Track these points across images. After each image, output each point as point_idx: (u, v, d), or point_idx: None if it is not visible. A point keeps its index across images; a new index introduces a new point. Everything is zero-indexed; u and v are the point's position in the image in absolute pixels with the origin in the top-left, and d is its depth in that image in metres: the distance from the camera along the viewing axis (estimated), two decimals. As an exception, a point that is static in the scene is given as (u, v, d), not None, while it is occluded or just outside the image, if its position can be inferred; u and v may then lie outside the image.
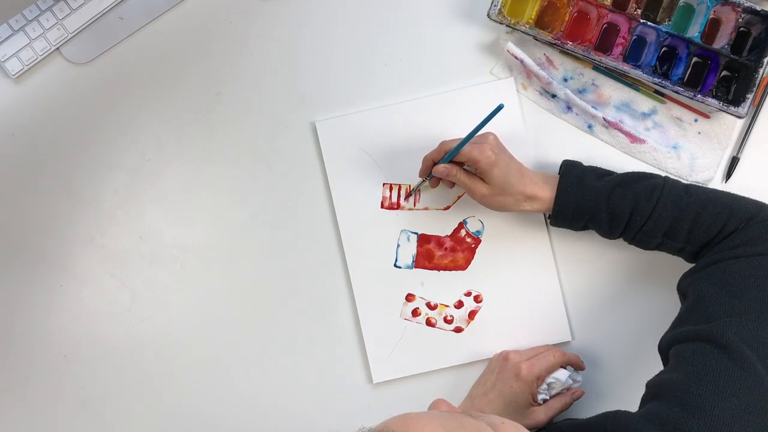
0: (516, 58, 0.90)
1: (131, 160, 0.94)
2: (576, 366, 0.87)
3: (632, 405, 0.72)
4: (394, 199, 0.92)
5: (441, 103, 0.92)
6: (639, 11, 0.89)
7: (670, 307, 0.80)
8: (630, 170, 0.84)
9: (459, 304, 0.91)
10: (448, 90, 0.92)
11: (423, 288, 0.92)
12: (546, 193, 0.82)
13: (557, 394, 0.85)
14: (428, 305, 0.91)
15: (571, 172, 0.83)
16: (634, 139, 0.91)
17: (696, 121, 0.91)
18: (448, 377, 0.92)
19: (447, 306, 0.91)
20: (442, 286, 0.92)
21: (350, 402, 0.92)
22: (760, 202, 0.80)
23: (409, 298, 0.92)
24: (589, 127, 0.91)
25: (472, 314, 0.91)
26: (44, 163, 0.94)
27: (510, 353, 0.86)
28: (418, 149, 0.90)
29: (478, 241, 0.92)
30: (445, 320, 0.91)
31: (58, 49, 0.93)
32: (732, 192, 0.81)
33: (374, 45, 0.93)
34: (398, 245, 0.92)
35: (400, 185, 0.92)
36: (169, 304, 0.94)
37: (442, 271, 0.92)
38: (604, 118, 0.90)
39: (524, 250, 0.91)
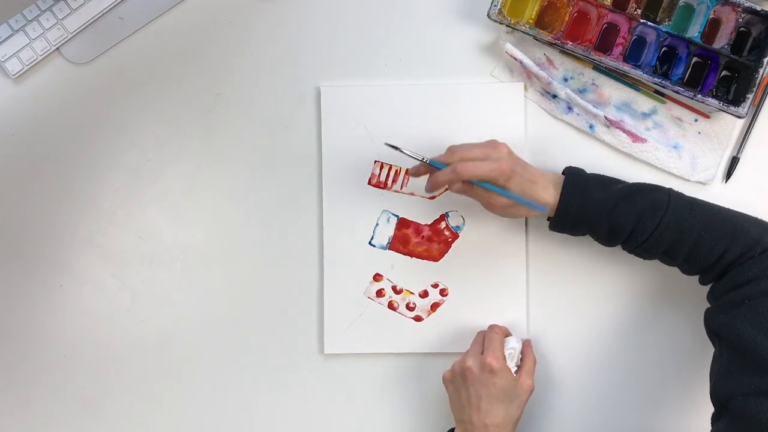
0: (515, 59, 0.90)
1: (131, 160, 0.94)
2: (508, 332, 0.88)
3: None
4: (383, 178, 0.92)
5: (448, 93, 0.92)
6: (639, 11, 0.89)
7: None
8: (633, 173, 0.84)
9: (424, 294, 0.92)
10: (457, 83, 0.92)
11: (392, 271, 0.92)
12: (551, 198, 0.82)
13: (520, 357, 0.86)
14: (394, 288, 0.92)
15: (575, 182, 0.82)
16: (635, 138, 0.90)
17: (696, 121, 0.91)
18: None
19: (412, 293, 0.92)
20: (411, 273, 0.92)
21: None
22: (764, 224, 0.79)
23: (377, 277, 0.92)
24: (591, 127, 0.91)
25: (434, 306, 0.91)
26: (44, 163, 0.94)
27: (465, 362, 0.83)
28: (418, 134, 0.91)
29: (455, 236, 0.92)
30: (408, 307, 0.92)
31: (58, 49, 0.93)
32: (737, 210, 0.80)
33: (374, 45, 0.93)
34: (377, 224, 0.92)
35: (391, 165, 0.92)
36: (169, 304, 0.94)
37: (414, 258, 0.92)
38: (605, 117, 0.90)
39: (499, 254, 0.91)
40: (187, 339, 0.94)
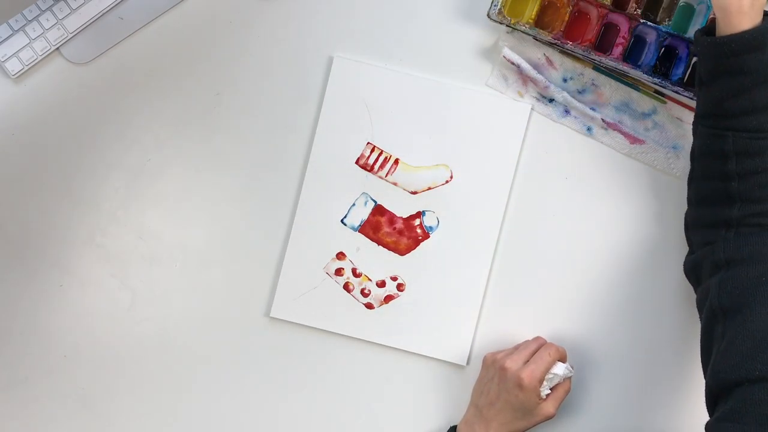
0: (513, 63, 0.90)
1: (131, 160, 0.94)
2: (564, 357, 0.87)
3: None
4: (371, 162, 0.92)
5: (458, 96, 0.92)
6: (639, 11, 0.89)
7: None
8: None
9: (381, 284, 0.92)
10: (467, 87, 0.92)
11: (357, 253, 0.92)
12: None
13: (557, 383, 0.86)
14: (353, 271, 0.92)
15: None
16: (633, 140, 0.90)
17: (696, 121, 0.91)
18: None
19: (370, 280, 0.92)
20: (374, 260, 0.92)
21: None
22: None
23: (340, 256, 0.92)
24: (588, 129, 0.91)
25: (388, 298, 0.92)
26: (44, 163, 0.94)
27: (506, 362, 0.84)
28: (418, 128, 0.92)
29: (426, 236, 0.92)
30: (362, 292, 0.92)
31: (58, 49, 0.94)
32: None
33: (374, 45, 0.93)
34: (354, 204, 0.92)
35: (381, 150, 0.92)
36: (169, 304, 0.94)
37: (381, 247, 0.92)
38: (602, 119, 0.90)
39: (463, 264, 0.92)
40: (187, 339, 0.94)
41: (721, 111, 0.75)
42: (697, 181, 0.80)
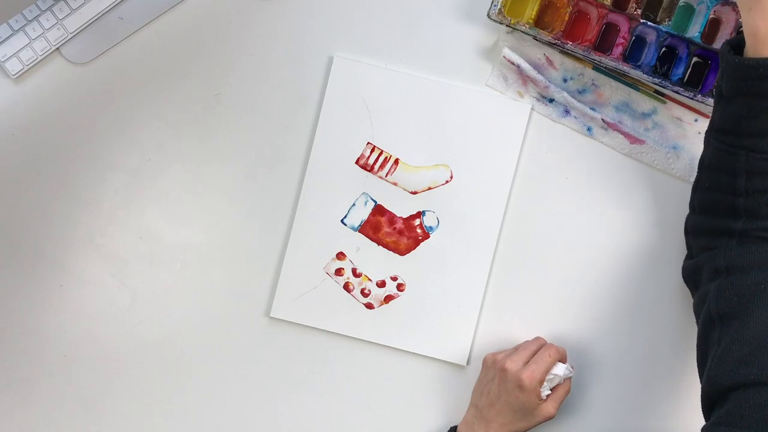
0: (513, 63, 0.90)
1: (131, 160, 0.94)
2: (564, 357, 0.87)
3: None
4: (371, 162, 0.93)
5: (458, 96, 0.92)
6: (639, 11, 0.89)
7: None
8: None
9: (381, 284, 0.92)
10: (468, 88, 0.92)
11: (357, 253, 0.92)
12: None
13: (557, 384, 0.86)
14: (354, 271, 0.92)
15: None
16: (633, 140, 0.91)
17: (696, 121, 0.91)
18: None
19: (370, 280, 0.92)
20: (374, 260, 0.92)
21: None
22: None
23: (340, 256, 0.92)
24: (588, 130, 0.91)
25: (388, 298, 0.92)
26: (44, 163, 0.94)
27: (506, 363, 0.84)
28: (418, 128, 0.92)
29: (426, 236, 0.92)
30: (363, 292, 0.92)
31: (58, 49, 0.94)
32: None
33: (374, 45, 0.93)
34: (354, 204, 0.92)
35: (382, 150, 0.92)
36: (169, 304, 0.94)
37: (381, 247, 0.92)
38: (602, 119, 0.90)
39: (463, 264, 0.92)
40: (187, 339, 0.94)
41: (738, 129, 0.72)
42: (702, 190, 0.79)
